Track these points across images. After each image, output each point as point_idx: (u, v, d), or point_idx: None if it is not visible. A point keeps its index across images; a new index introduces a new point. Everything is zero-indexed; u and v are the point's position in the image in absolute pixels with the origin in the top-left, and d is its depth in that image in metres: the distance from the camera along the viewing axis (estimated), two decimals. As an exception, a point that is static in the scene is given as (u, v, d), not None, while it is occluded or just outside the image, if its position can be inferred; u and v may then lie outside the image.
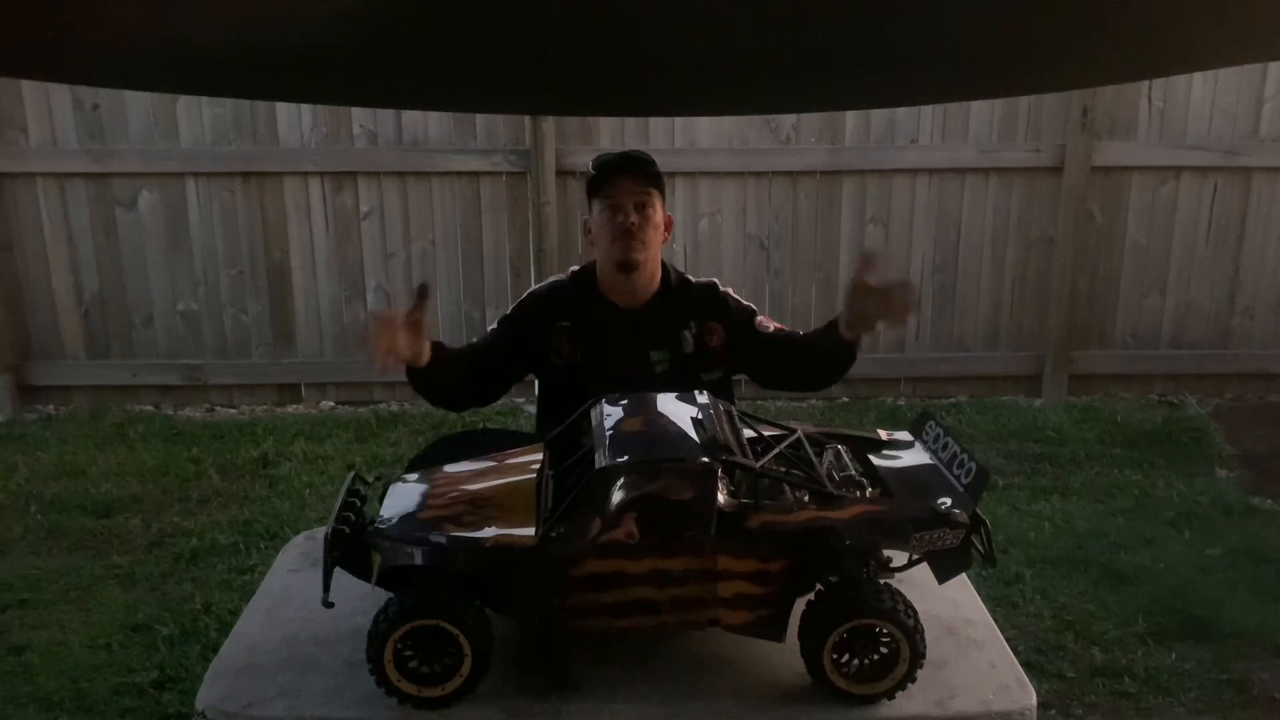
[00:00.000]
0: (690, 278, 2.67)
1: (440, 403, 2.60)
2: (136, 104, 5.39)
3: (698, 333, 2.57)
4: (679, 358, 2.55)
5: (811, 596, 1.84)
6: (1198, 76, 5.42)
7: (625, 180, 2.53)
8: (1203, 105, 5.54)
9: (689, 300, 2.62)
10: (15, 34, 1.57)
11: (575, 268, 2.70)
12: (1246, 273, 5.73)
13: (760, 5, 1.60)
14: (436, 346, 2.40)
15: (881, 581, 1.84)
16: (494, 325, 2.64)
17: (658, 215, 2.56)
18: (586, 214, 2.64)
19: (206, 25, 1.62)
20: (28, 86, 5.32)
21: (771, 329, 2.60)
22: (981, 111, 5.55)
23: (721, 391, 2.51)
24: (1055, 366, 5.75)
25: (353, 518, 1.85)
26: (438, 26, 1.68)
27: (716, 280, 2.68)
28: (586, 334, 2.57)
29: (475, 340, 2.66)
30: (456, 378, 2.50)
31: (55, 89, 5.32)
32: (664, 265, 2.65)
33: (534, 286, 2.73)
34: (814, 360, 2.53)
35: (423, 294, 2.30)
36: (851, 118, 5.55)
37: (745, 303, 2.66)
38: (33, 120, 5.40)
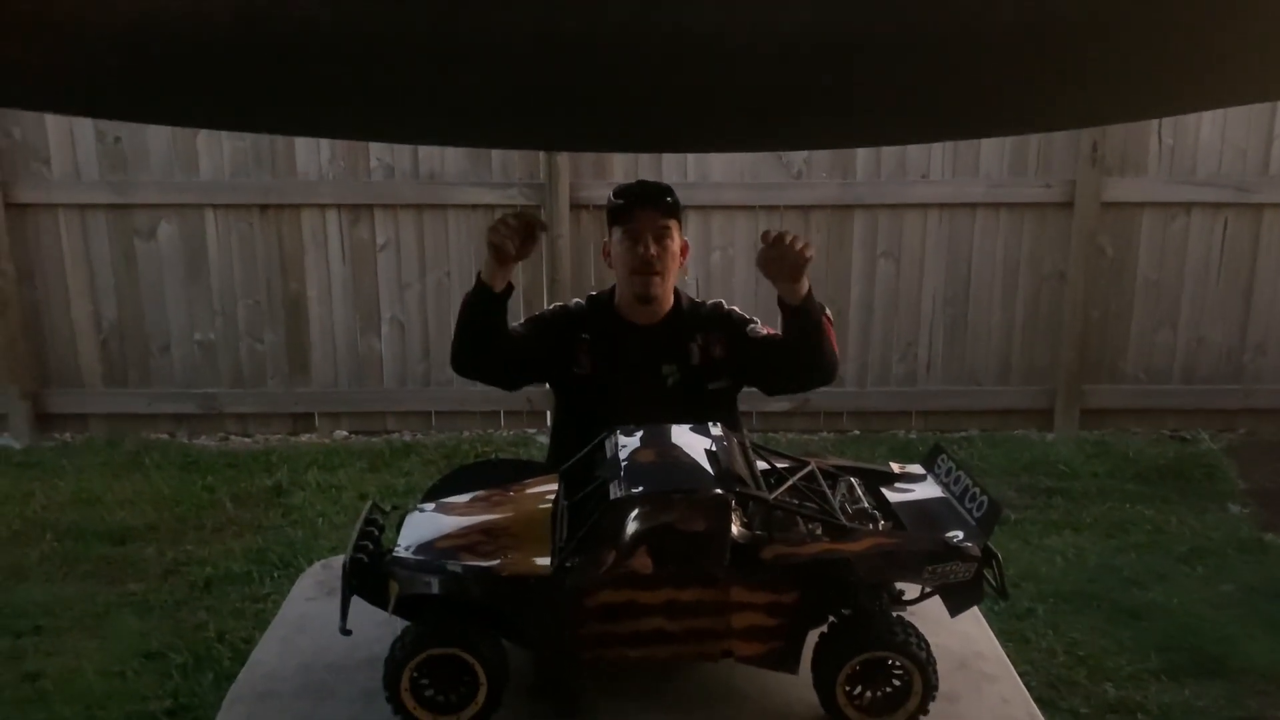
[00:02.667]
0: (697, 299, 2.81)
1: (477, 352, 2.63)
2: (157, 137, 5.48)
3: (703, 344, 2.68)
4: (686, 369, 2.65)
5: (824, 628, 1.85)
6: (1208, 114, 5.46)
7: (645, 212, 2.62)
8: (1213, 142, 5.57)
9: (698, 317, 2.73)
10: (31, 67, 1.62)
11: (593, 292, 2.83)
12: (1258, 308, 5.73)
13: (774, 49, 1.63)
14: (509, 290, 2.57)
15: (894, 614, 1.85)
16: (520, 323, 2.73)
17: (675, 245, 2.66)
18: (606, 238, 2.73)
19: (224, 62, 1.66)
20: (51, 119, 5.41)
21: (763, 333, 2.70)
22: (992, 147, 5.59)
23: (728, 401, 2.67)
24: (1067, 401, 5.75)
25: (370, 547, 1.87)
26: (456, 66, 1.72)
27: (722, 300, 2.81)
28: (603, 348, 2.67)
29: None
30: (502, 342, 2.61)
31: (78, 122, 5.41)
32: (676, 290, 2.76)
33: (562, 301, 2.87)
34: (792, 342, 2.59)
35: (540, 227, 2.54)
36: (862, 153, 5.60)
37: (744, 315, 2.75)
38: (56, 152, 5.48)
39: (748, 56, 1.66)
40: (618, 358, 2.67)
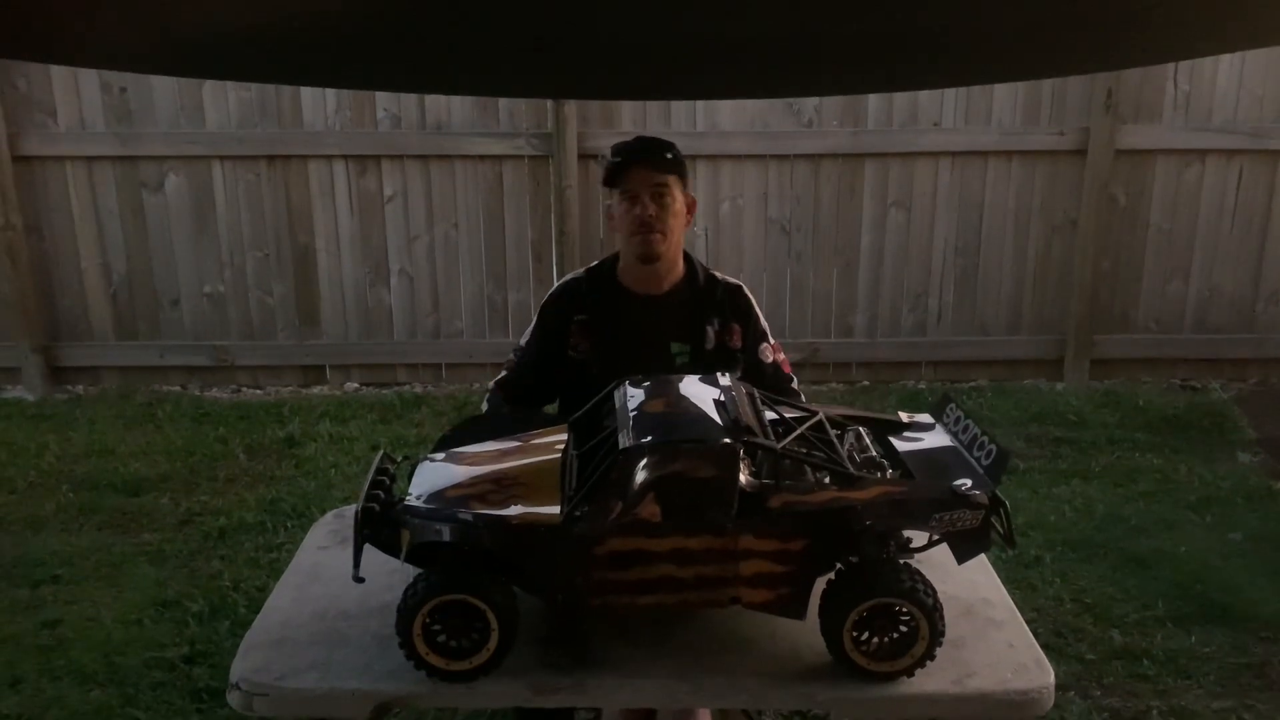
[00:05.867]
0: (717, 275, 2.66)
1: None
2: (163, 88, 5.45)
3: (719, 330, 2.58)
4: (700, 352, 2.54)
5: (832, 575, 1.87)
6: (1224, 59, 5.38)
7: (641, 170, 2.50)
8: (1229, 88, 5.49)
9: (716, 297, 2.61)
10: (42, 20, 1.61)
11: (594, 263, 2.70)
12: (1271, 257, 5.69)
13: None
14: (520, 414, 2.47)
15: (901, 561, 1.87)
16: (526, 337, 2.67)
17: (677, 202, 2.52)
18: (608, 201, 2.63)
19: (233, 9, 1.65)
20: (56, 71, 5.38)
21: (770, 359, 2.62)
22: (1004, 94, 5.52)
23: None
24: (1077, 350, 5.74)
25: (382, 496, 1.89)
26: (464, 12, 1.70)
27: (743, 285, 2.68)
28: (604, 326, 2.56)
29: (521, 349, 2.67)
30: (534, 406, 2.60)
31: (83, 73, 5.38)
32: (689, 258, 2.65)
33: (564, 278, 2.73)
34: None
35: None
36: (874, 100, 5.54)
37: (764, 323, 2.66)
38: (61, 104, 5.46)
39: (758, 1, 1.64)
40: (621, 333, 2.54)
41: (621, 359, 2.39)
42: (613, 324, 2.56)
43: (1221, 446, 4.91)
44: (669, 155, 2.52)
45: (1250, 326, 5.78)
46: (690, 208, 2.60)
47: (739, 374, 2.54)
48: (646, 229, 2.49)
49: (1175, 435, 5.01)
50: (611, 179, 2.54)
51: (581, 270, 2.69)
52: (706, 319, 2.57)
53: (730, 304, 2.62)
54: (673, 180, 2.51)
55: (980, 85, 5.27)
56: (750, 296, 2.67)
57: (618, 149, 2.55)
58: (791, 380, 2.65)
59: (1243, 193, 5.62)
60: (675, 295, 2.60)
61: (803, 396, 2.66)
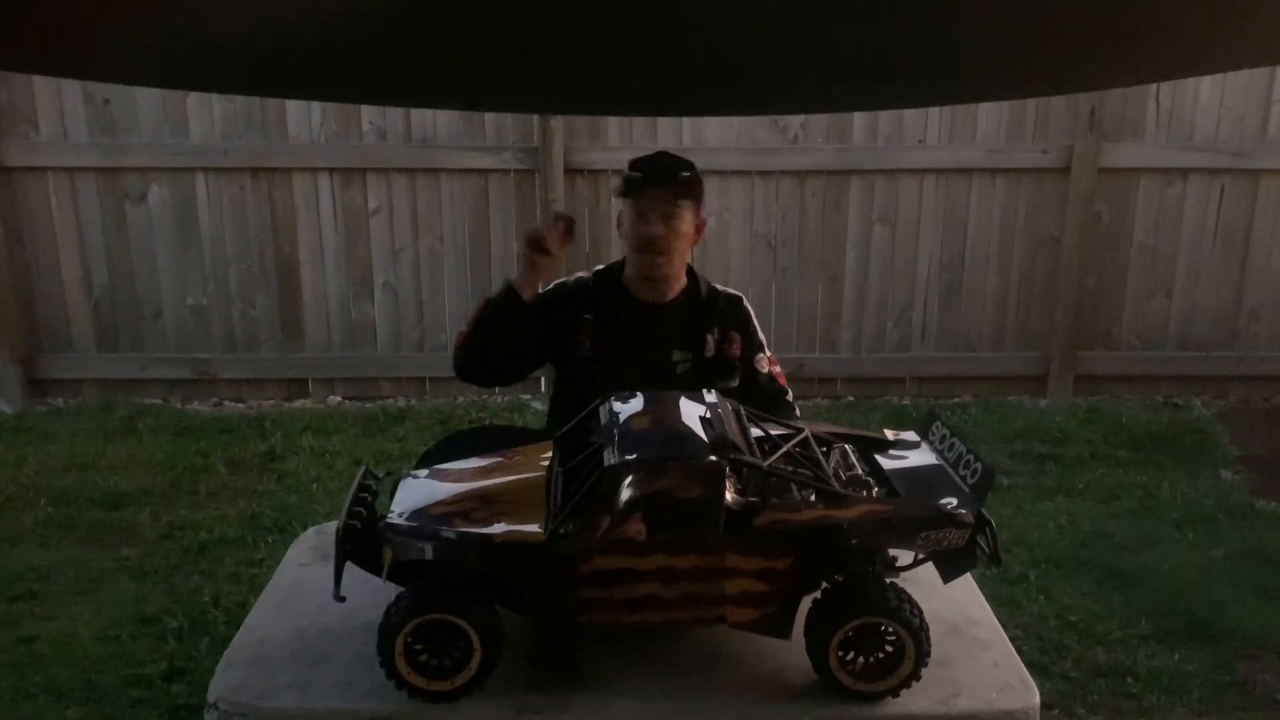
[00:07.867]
0: (718, 287, 2.70)
1: (483, 359, 2.61)
2: (147, 99, 5.41)
3: (719, 339, 2.61)
4: (700, 360, 2.58)
5: (818, 594, 1.86)
6: (1206, 78, 5.42)
7: (656, 190, 2.52)
8: (1211, 107, 5.53)
9: (718, 307, 2.65)
10: (30, 30, 1.59)
11: (600, 266, 2.73)
12: (1253, 275, 5.73)
13: (772, 7, 1.61)
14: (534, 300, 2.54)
15: (887, 580, 1.86)
16: None
17: (685, 224, 2.55)
18: (620, 208, 2.64)
19: (219, 22, 1.64)
20: (39, 81, 5.34)
21: (765, 370, 2.65)
22: (989, 112, 5.55)
23: None
24: (1061, 367, 5.76)
25: (364, 513, 1.87)
26: (451, 25, 1.70)
27: (744, 296, 2.72)
28: (609, 329, 2.58)
29: None
30: (513, 348, 2.60)
31: (66, 84, 5.35)
32: (692, 270, 2.68)
33: (561, 278, 2.75)
34: None
35: (570, 229, 2.52)
36: (859, 118, 5.56)
37: (762, 334, 2.70)
38: (44, 114, 5.42)
39: (745, 17, 1.64)
40: (625, 338, 2.58)
41: (625, 363, 2.47)
42: (617, 327, 2.59)
43: (1204, 463, 4.93)
44: (685, 175, 2.53)
45: (1232, 344, 5.81)
46: (699, 228, 2.61)
47: (736, 382, 2.58)
48: (652, 249, 2.53)
49: (1158, 452, 5.03)
50: (627, 190, 2.56)
51: (588, 272, 2.72)
52: (707, 328, 2.61)
53: (731, 313, 2.66)
54: (685, 204, 2.54)
55: (965, 104, 5.30)
56: (750, 308, 2.71)
57: (637, 164, 2.56)
58: (786, 393, 2.67)
59: (1224, 211, 5.66)
60: (678, 304, 2.63)
61: (797, 410, 2.67)
